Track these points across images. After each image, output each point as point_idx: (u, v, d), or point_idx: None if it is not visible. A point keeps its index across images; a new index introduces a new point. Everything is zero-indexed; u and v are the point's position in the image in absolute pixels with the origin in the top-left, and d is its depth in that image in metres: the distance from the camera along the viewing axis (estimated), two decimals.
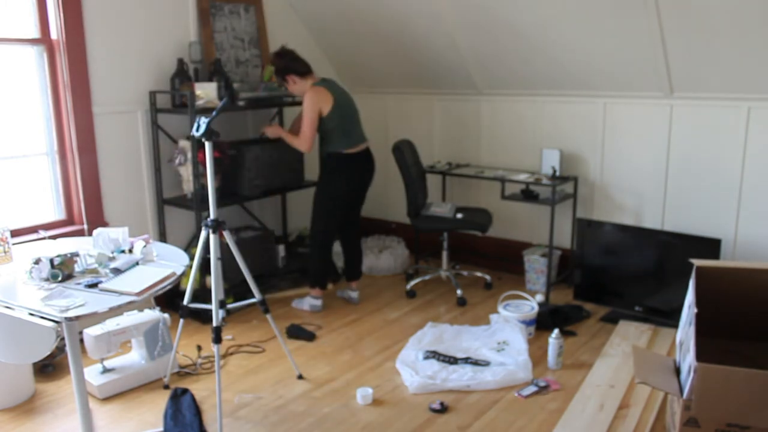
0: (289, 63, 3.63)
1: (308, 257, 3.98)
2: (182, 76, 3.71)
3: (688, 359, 2.25)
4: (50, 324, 1.94)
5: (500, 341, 3.33)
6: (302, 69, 3.64)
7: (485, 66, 4.22)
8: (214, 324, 2.70)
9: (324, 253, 3.86)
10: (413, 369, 3.09)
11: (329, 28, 4.58)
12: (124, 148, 3.67)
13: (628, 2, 3.30)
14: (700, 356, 2.15)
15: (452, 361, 3.15)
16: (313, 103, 3.55)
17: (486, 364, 3.13)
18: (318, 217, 3.78)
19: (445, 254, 4.30)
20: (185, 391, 2.89)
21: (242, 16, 4.14)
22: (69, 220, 3.57)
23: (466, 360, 3.16)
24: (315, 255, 3.86)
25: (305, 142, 3.59)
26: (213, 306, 2.72)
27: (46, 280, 2.19)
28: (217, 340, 2.68)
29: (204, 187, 3.59)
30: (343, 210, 3.81)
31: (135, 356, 3.13)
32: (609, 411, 2.73)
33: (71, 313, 1.93)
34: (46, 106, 3.41)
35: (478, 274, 4.37)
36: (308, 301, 3.93)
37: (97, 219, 3.56)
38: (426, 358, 3.19)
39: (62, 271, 2.20)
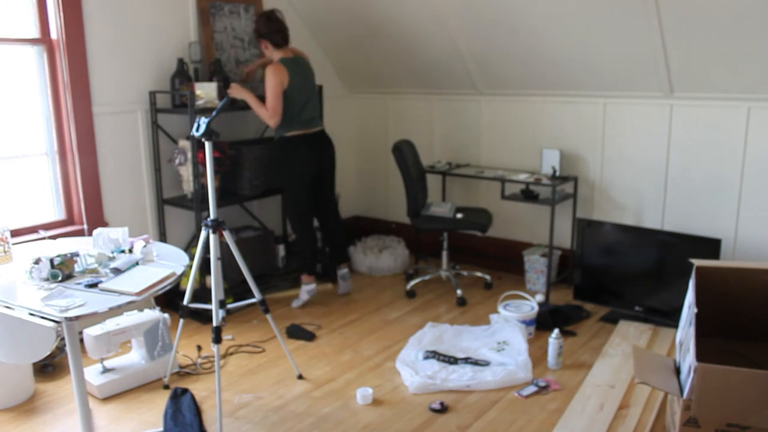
0: (271, 32, 3.69)
1: (296, 246, 4.11)
2: (182, 76, 3.71)
3: (688, 359, 2.25)
4: (50, 324, 1.94)
5: (500, 341, 3.33)
6: (278, 41, 3.72)
7: (485, 66, 4.22)
8: (214, 324, 2.71)
9: (306, 236, 3.93)
10: (413, 369, 3.09)
11: (329, 28, 4.58)
12: (124, 148, 3.67)
13: (628, 2, 3.29)
14: (700, 356, 2.15)
15: (452, 361, 3.15)
16: (275, 77, 3.60)
17: (486, 364, 3.13)
18: (287, 202, 3.92)
19: (445, 254, 4.30)
20: (185, 391, 2.89)
21: (242, 16, 4.14)
22: (69, 220, 3.57)
23: (466, 360, 3.16)
24: (299, 240, 3.96)
25: (272, 113, 3.63)
26: (213, 306, 2.73)
27: (46, 280, 2.19)
28: (217, 340, 2.68)
29: (204, 187, 3.59)
30: (309, 189, 3.85)
31: (135, 356, 3.13)
32: (609, 411, 2.73)
33: (71, 313, 1.92)
34: (46, 106, 3.41)
35: (478, 274, 4.37)
36: (303, 290, 3.96)
37: (97, 219, 3.56)
38: (426, 358, 3.19)
39: (62, 271, 2.20)
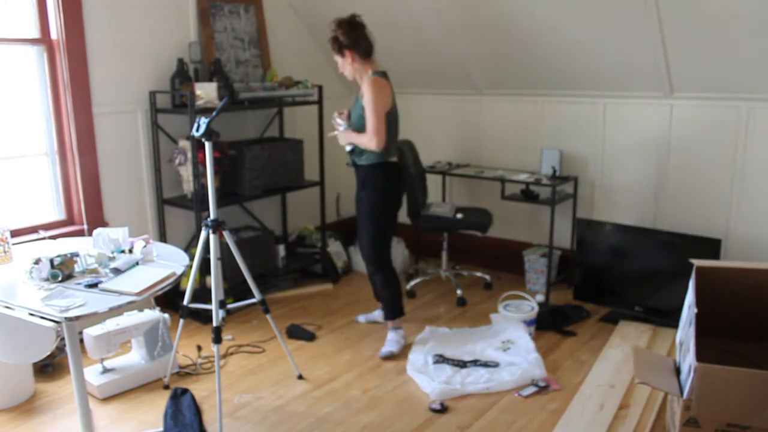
0: (360, 39, 3.16)
1: (382, 287, 3.38)
2: (182, 76, 3.71)
3: (688, 359, 2.25)
4: (50, 324, 1.95)
5: (504, 340, 3.32)
6: (369, 51, 3.18)
7: (485, 66, 4.21)
8: (214, 324, 2.70)
9: (393, 275, 3.37)
10: (427, 375, 3.04)
11: (329, 28, 4.56)
12: (124, 148, 3.67)
13: (628, 2, 3.30)
14: (700, 356, 2.15)
15: (461, 364, 3.13)
16: (382, 96, 3.07)
17: (495, 365, 3.11)
18: (378, 238, 3.28)
19: (445, 254, 4.30)
20: (185, 391, 2.89)
21: (242, 16, 4.14)
22: (69, 220, 3.57)
23: (475, 362, 3.14)
24: (388, 281, 3.35)
25: (378, 138, 3.04)
26: (213, 306, 2.73)
27: (46, 280, 2.19)
28: (217, 340, 2.68)
29: (204, 187, 3.59)
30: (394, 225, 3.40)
31: (135, 356, 3.13)
32: (609, 411, 2.73)
33: (71, 313, 1.93)
34: (46, 106, 3.41)
35: (478, 274, 4.37)
36: (393, 338, 3.37)
37: (97, 219, 3.56)
38: (436, 362, 3.15)
39: (62, 271, 2.20)
